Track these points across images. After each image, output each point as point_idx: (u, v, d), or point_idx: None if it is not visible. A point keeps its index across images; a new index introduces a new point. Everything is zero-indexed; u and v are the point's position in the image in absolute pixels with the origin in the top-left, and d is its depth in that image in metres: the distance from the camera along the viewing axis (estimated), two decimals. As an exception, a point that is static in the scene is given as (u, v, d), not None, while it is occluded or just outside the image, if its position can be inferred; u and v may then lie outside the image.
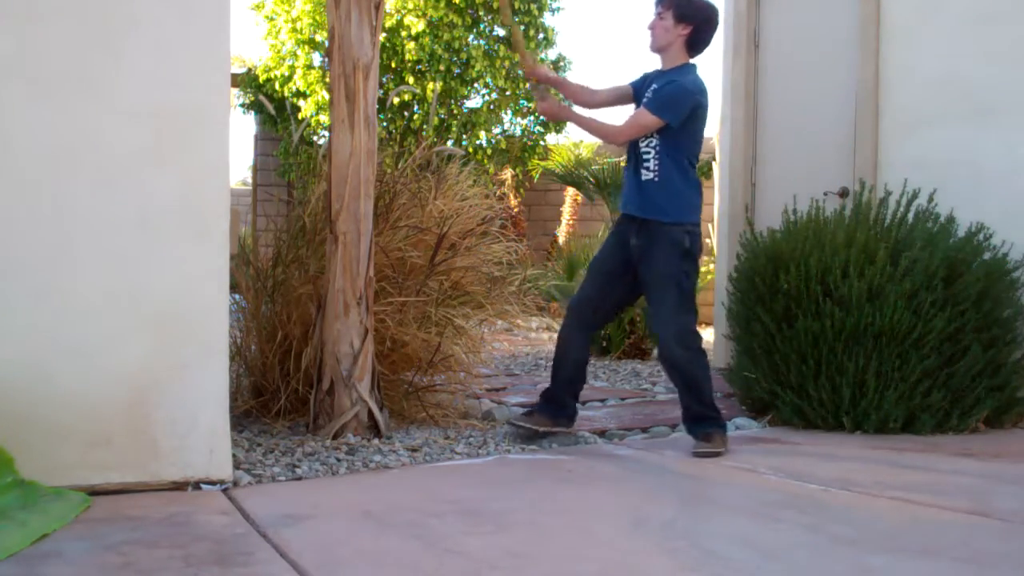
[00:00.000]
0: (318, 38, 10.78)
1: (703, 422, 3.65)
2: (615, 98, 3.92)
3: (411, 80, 10.58)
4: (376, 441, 3.65)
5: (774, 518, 2.76)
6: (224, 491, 2.94)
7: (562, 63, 11.61)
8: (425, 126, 10.47)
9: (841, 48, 5.53)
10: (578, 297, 3.86)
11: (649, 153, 3.69)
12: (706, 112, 3.72)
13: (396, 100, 10.62)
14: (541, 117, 11.65)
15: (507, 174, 11.59)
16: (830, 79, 5.60)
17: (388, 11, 10.42)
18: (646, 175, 3.68)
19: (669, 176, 3.66)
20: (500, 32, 11.14)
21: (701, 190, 3.78)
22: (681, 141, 3.66)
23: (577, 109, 3.96)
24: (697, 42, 3.71)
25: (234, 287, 3.81)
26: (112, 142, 2.87)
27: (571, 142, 11.48)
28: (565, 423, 3.87)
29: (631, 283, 3.78)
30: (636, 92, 3.85)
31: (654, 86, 3.70)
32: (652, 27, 3.74)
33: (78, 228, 2.83)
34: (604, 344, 7.02)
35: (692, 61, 3.75)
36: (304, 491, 3.02)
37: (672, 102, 3.62)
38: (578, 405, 3.94)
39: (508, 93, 11.13)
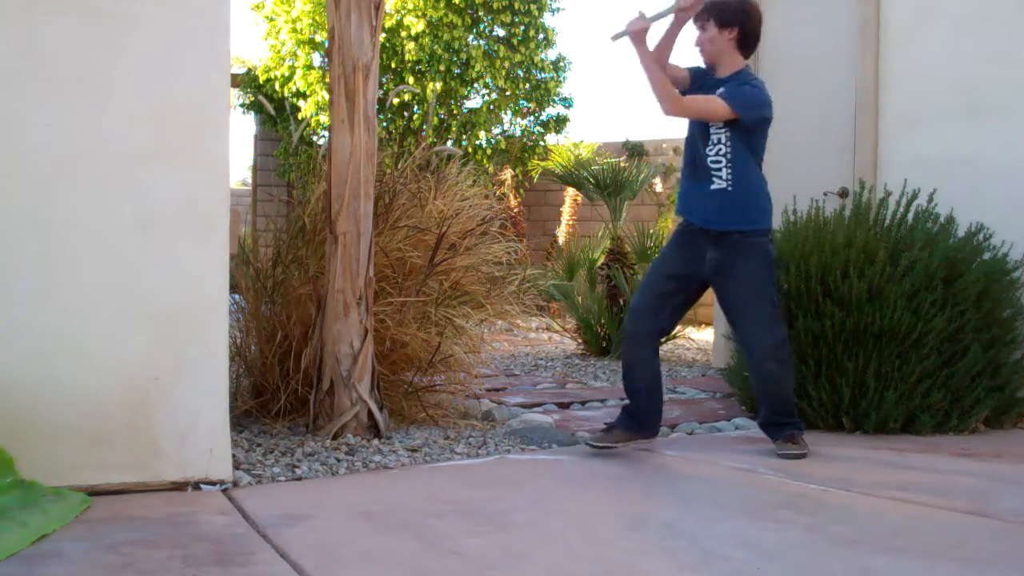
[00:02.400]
0: (318, 38, 10.78)
1: (785, 427, 3.63)
2: (675, 79, 3.77)
3: (411, 80, 10.58)
4: (376, 441, 3.65)
5: (774, 518, 2.76)
6: (224, 491, 2.94)
7: (562, 63, 11.61)
8: (425, 126, 10.47)
9: (841, 48, 5.53)
10: (636, 307, 3.73)
11: (720, 162, 3.60)
12: (769, 124, 3.65)
13: (396, 100, 10.62)
14: (542, 117, 11.65)
15: (507, 174, 11.59)
16: (830, 79, 5.60)
17: (388, 11, 10.42)
18: (717, 183, 3.60)
19: (743, 182, 3.59)
20: (500, 32, 11.14)
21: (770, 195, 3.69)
22: (752, 143, 3.60)
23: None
24: (747, 42, 3.67)
25: (234, 287, 3.81)
26: (112, 142, 2.87)
27: (571, 142, 11.48)
28: (645, 435, 3.73)
29: (691, 293, 3.72)
30: (692, 80, 3.75)
31: (727, 85, 3.60)
32: (699, 43, 3.70)
33: (78, 228, 2.83)
34: (604, 344, 7.02)
35: (747, 63, 3.70)
36: (304, 491, 3.02)
37: (752, 102, 3.56)
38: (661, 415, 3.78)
39: (508, 93, 11.13)
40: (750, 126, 3.57)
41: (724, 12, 3.63)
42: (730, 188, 3.59)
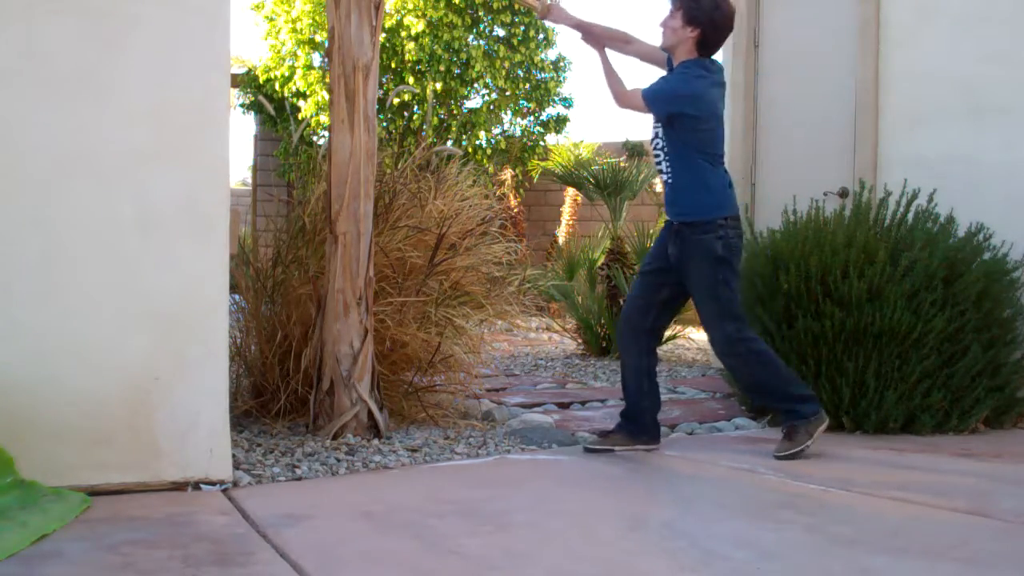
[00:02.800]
0: (318, 38, 10.78)
1: (786, 416, 3.59)
2: (648, 55, 3.87)
3: (411, 80, 10.58)
4: (376, 441, 3.65)
5: (774, 518, 2.76)
6: (224, 491, 2.94)
7: (562, 63, 11.61)
8: (425, 126, 10.47)
9: (841, 48, 5.53)
10: (626, 306, 3.80)
11: (659, 156, 3.67)
12: (702, 114, 3.58)
13: (396, 100, 10.62)
14: (542, 117, 11.65)
15: (507, 174, 11.59)
16: (830, 79, 5.60)
17: (388, 11, 10.42)
18: (665, 176, 3.67)
19: (681, 175, 3.61)
20: (500, 32, 11.14)
21: (724, 186, 3.64)
22: (683, 136, 3.58)
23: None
24: (706, 44, 3.65)
25: (234, 287, 3.81)
26: (112, 142, 2.87)
27: (571, 142, 11.48)
28: (645, 440, 3.67)
29: (673, 288, 3.70)
30: (669, 63, 3.79)
31: (660, 77, 3.73)
32: (663, 25, 3.69)
33: (78, 228, 2.83)
34: (604, 344, 7.02)
35: (699, 58, 3.65)
36: (304, 491, 3.02)
37: (662, 95, 3.61)
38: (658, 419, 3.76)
39: (508, 93, 11.13)
40: (662, 119, 3.61)
41: (695, 10, 3.59)
42: (670, 180, 3.65)
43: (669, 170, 3.64)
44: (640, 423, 3.68)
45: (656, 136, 3.68)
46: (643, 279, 3.77)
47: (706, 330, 3.66)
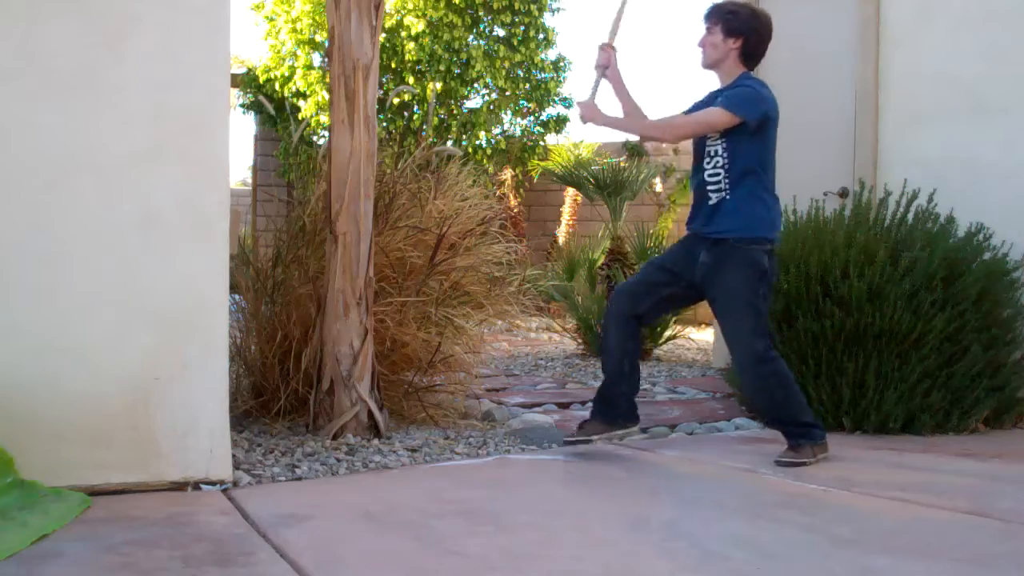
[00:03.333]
0: (318, 38, 10.78)
1: (795, 438, 3.50)
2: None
3: (411, 80, 10.57)
4: (376, 441, 3.65)
5: (774, 518, 2.76)
6: (224, 491, 2.94)
7: (562, 63, 11.61)
8: (425, 126, 10.47)
9: (841, 48, 5.53)
10: (623, 285, 3.74)
11: (718, 173, 3.50)
12: (776, 124, 3.54)
13: (396, 100, 10.62)
14: (542, 117, 11.65)
15: (507, 174, 11.58)
16: (830, 79, 5.60)
17: (388, 11, 10.42)
18: (717, 197, 3.50)
19: (740, 191, 3.48)
20: (500, 32, 11.13)
21: (777, 202, 3.58)
22: (755, 149, 3.48)
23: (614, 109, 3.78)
24: (751, 54, 3.59)
25: (234, 287, 3.81)
26: (112, 142, 2.87)
27: (571, 142, 11.48)
28: (621, 424, 3.64)
29: (682, 292, 3.62)
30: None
31: (724, 93, 3.53)
32: (702, 44, 3.62)
33: (78, 228, 2.83)
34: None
35: (750, 72, 3.62)
36: (304, 491, 3.02)
37: (747, 99, 3.46)
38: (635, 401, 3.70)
39: (508, 93, 11.13)
40: (756, 126, 3.44)
41: (733, 20, 3.54)
42: (728, 197, 3.48)
43: (728, 187, 3.48)
44: (615, 406, 3.63)
45: (713, 152, 3.52)
46: (652, 270, 3.68)
47: (734, 345, 3.52)
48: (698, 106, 3.66)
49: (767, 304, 3.52)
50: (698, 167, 3.60)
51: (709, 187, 3.52)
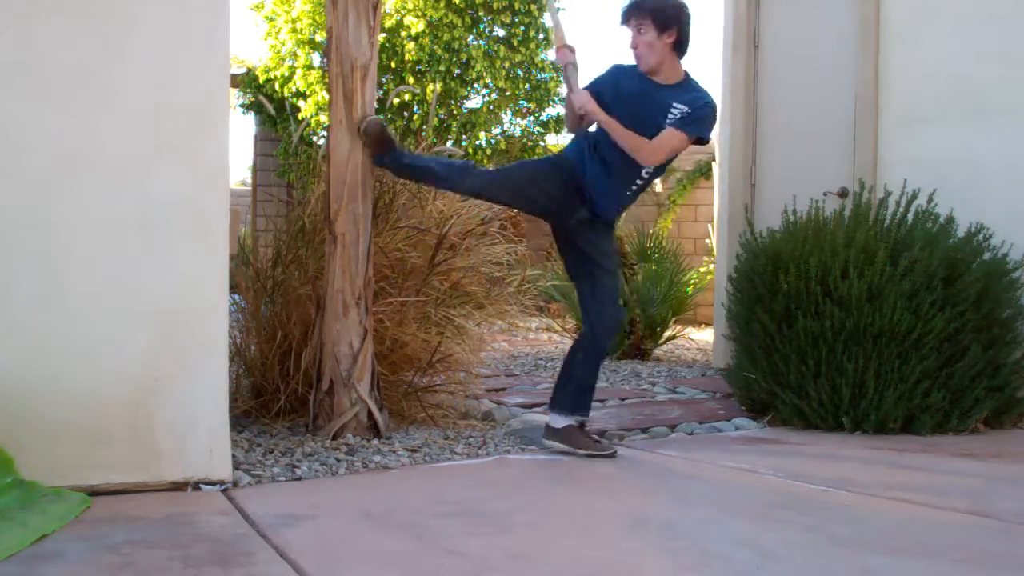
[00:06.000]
0: (318, 38, 10.78)
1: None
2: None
3: (411, 80, 10.57)
4: (376, 441, 3.65)
5: (774, 518, 2.76)
6: (224, 491, 2.94)
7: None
8: (425, 126, 10.46)
9: (841, 48, 5.53)
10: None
11: (650, 174, 3.60)
12: None
13: (396, 100, 10.62)
14: (542, 117, 11.64)
15: (507, 174, 11.56)
16: (830, 79, 5.60)
17: (388, 11, 10.42)
18: (636, 187, 3.62)
19: (644, 188, 3.71)
20: (500, 32, 11.13)
21: None
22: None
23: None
24: (682, 44, 3.54)
25: (234, 287, 3.81)
26: (112, 142, 2.87)
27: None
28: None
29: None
30: (606, 93, 3.58)
31: (679, 108, 3.45)
32: (635, 46, 3.52)
33: (78, 228, 2.83)
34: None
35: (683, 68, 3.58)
36: (304, 491, 3.02)
37: (710, 122, 3.51)
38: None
39: (508, 94, 11.13)
40: (707, 139, 3.56)
41: (663, 14, 3.46)
42: (612, 175, 3.60)
43: (643, 181, 3.61)
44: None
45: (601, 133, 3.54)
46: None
47: (611, 311, 3.62)
48: (612, 85, 3.59)
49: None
50: (626, 160, 3.53)
51: (635, 183, 3.60)
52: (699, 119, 3.47)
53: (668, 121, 3.46)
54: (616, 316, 3.68)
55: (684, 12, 3.54)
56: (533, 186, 3.68)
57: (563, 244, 3.76)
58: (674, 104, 3.47)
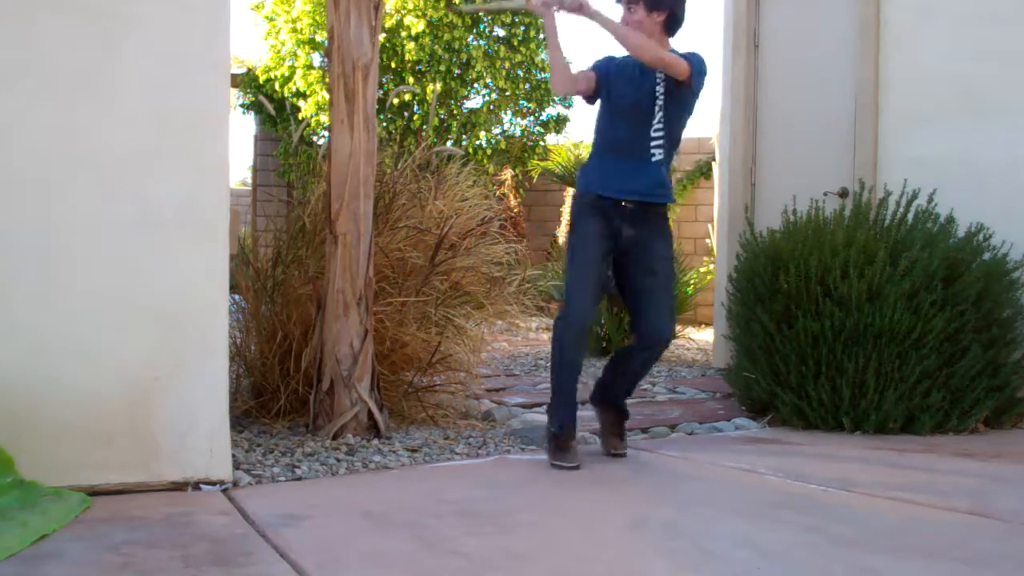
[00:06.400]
0: (318, 38, 10.78)
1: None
2: (580, 79, 3.58)
3: (411, 80, 10.57)
4: (376, 441, 3.65)
5: (774, 518, 2.76)
6: (224, 491, 2.94)
7: (562, 63, 11.59)
8: (425, 126, 10.46)
9: (841, 48, 5.53)
10: (579, 300, 3.47)
11: (660, 133, 3.45)
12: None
13: (396, 100, 10.62)
14: (542, 117, 11.65)
15: (507, 174, 11.57)
16: (830, 79, 5.60)
17: (388, 11, 10.42)
18: (658, 154, 3.46)
19: (669, 158, 3.52)
20: (500, 32, 11.13)
21: None
22: (684, 117, 3.51)
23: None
24: (676, 20, 3.47)
25: (234, 287, 3.81)
26: (112, 142, 2.87)
27: (571, 142, 11.47)
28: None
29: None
30: (606, 77, 3.54)
31: (662, 74, 3.42)
32: (625, 24, 3.45)
33: (78, 228, 2.83)
34: (604, 345, 7.02)
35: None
36: (304, 491, 3.02)
37: (702, 69, 3.43)
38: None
39: (508, 93, 11.13)
40: (695, 95, 3.46)
41: None
42: (663, 160, 3.49)
43: (663, 153, 3.47)
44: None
45: (659, 116, 3.44)
46: (598, 263, 3.47)
47: (665, 320, 3.52)
48: (610, 69, 3.55)
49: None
50: (641, 124, 3.47)
51: (652, 143, 3.47)
52: (700, 62, 3.42)
53: (657, 92, 3.44)
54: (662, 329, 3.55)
55: None
56: (585, 244, 3.50)
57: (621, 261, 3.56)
58: (659, 74, 3.44)
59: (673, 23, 3.49)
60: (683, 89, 3.44)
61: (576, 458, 3.37)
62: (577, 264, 3.48)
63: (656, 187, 3.49)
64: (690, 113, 3.55)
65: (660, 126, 3.48)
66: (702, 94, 3.52)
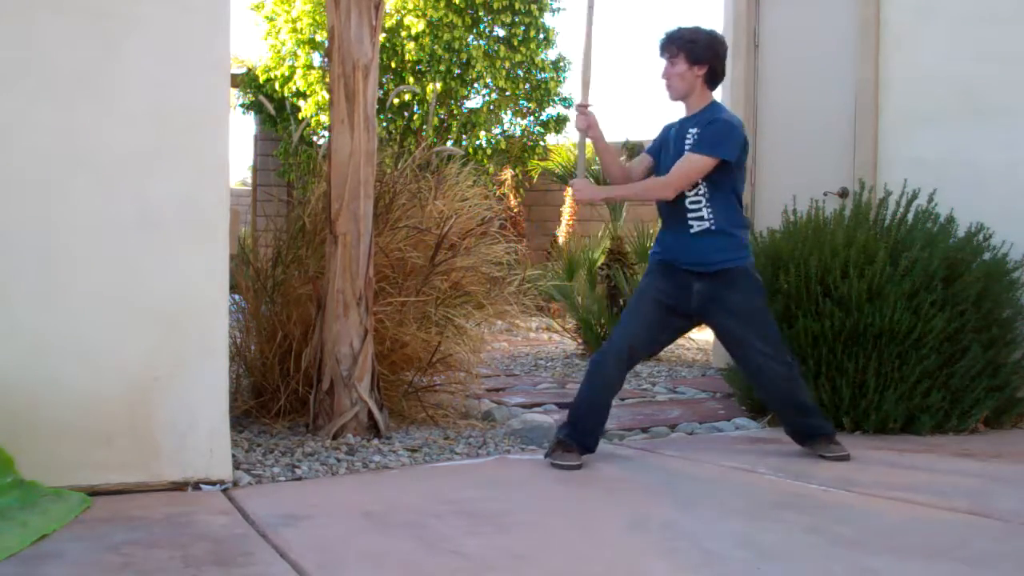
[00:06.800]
0: (318, 38, 10.78)
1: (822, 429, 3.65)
2: (640, 170, 3.75)
3: (411, 80, 10.57)
4: (376, 441, 3.65)
5: (774, 518, 2.76)
6: (224, 491, 2.94)
7: (562, 63, 11.61)
8: (425, 126, 10.46)
9: (841, 48, 5.53)
10: (622, 332, 3.55)
11: (699, 202, 3.52)
12: (747, 149, 3.58)
13: (396, 100, 10.62)
14: (542, 117, 11.66)
15: (507, 174, 11.58)
16: (830, 79, 5.60)
17: (388, 11, 10.42)
18: (699, 225, 3.52)
19: (721, 221, 3.52)
20: (500, 32, 11.14)
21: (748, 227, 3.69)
22: (733, 177, 3.53)
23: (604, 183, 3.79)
24: (715, 77, 3.59)
25: (234, 287, 3.81)
26: (112, 142, 2.87)
27: (571, 142, 11.48)
28: (587, 452, 3.53)
29: (680, 324, 3.63)
30: (657, 153, 3.70)
31: (693, 130, 3.52)
32: (667, 76, 3.59)
33: (78, 228, 2.83)
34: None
35: (715, 98, 3.62)
36: (304, 491, 3.02)
37: (724, 137, 3.47)
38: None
39: (508, 93, 11.13)
40: (733, 162, 3.49)
41: (696, 49, 3.52)
42: (713, 227, 3.52)
43: (711, 216, 3.51)
44: (593, 437, 3.52)
45: (695, 190, 3.52)
46: (649, 310, 3.57)
47: (750, 360, 3.60)
48: (660, 141, 3.70)
49: (771, 314, 3.66)
50: (676, 199, 3.56)
51: (690, 215, 3.54)
52: (708, 136, 3.47)
53: (686, 147, 3.52)
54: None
55: (716, 46, 3.57)
56: (640, 296, 3.64)
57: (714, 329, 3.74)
58: (690, 130, 3.55)
59: (713, 77, 3.59)
60: (721, 166, 3.49)
61: (577, 458, 3.39)
62: (628, 310, 3.65)
63: (701, 258, 3.53)
64: (738, 174, 3.57)
65: (698, 198, 3.54)
66: (745, 147, 3.55)
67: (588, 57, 3.79)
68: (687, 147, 3.52)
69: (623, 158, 3.78)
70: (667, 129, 3.71)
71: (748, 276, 3.57)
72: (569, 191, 11.48)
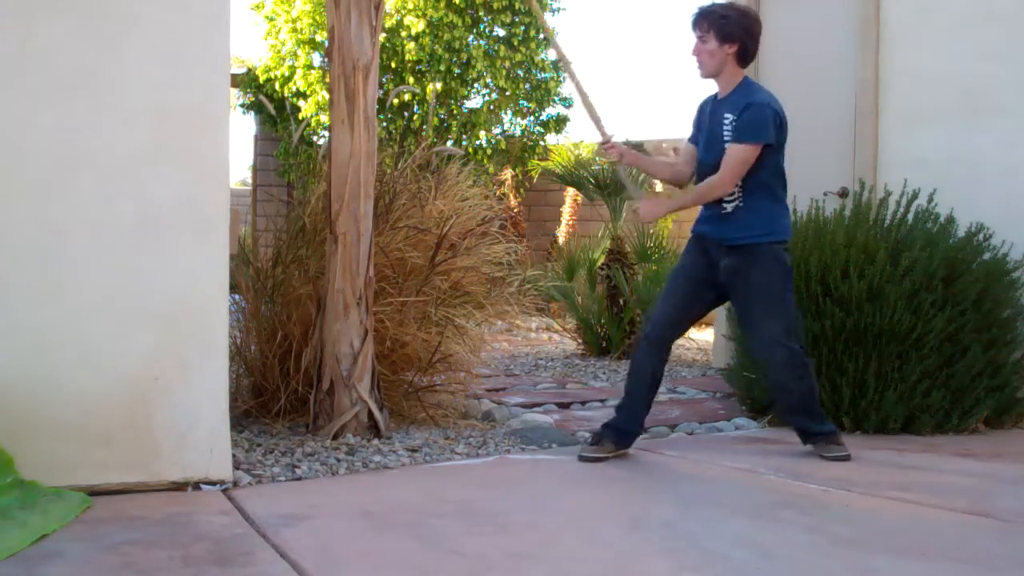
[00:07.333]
0: (318, 38, 10.78)
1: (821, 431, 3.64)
2: (688, 161, 3.77)
3: (411, 80, 10.57)
4: (376, 441, 3.65)
5: (774, 518, 2.76)
6: (224, 491, 2.94)
7: (562, 63, 11.60)
8: (425, 126, 10.46)
9: (841, 48, 5.53)
10: (657, 314, 3.64)
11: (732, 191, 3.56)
12: (786, 128, 3.59)
13: (396, 100, 10.62)
14: (542, 117, 11.65)
15: (507, 174, 11.57)
16: (830, 79, 5.60)
17: (388, 11, 10.42)
18: (731, 204, 3.55)
19: (755, 200, 3.55)
20: (500, 32, 11.13)
21: (788, 211, 3.69)
22: (769, 157, 3.53)
23: (664, 189, 3.85)
24: (746, 55, 3.58)
25: (234, 287, 3.81)
26: (112, 142, 2.87)
27: (571, 142, 11.47)
28: (626, 446, 3.64)
29: (712, 298, 3.70)
30: (696, 139, 3.73)
31: (729, 116, 3.53)
32: (697, 53, 3.59)
33: (78, 228, 2.83)
34: (604, 344, 7.02)
35: (746, 74, 3.62)
36: (304, 491, 3.02)
37: (761, 123, 3.47)
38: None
39: (508, 93, 11.13)
40: (777, 144, 3.53)
41: (727, 25, 3.52)
42: (742, 204, 3.55)
43: (742, 196, 3.54)
44: (632, 433, 3.62)
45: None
46: (681, 285, 3.65)
47: (758, 341, 3.64)
48: (697, 124, 3.74)
49: (793, 301, 3.63)
50: (703, 176, 3.62)
51: (724, 197, 3.57)
52: (744, 124, 3.48)
53: (725, 139, 3.54)
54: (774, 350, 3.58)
55: (748, 23, 3.56)
56: (675, 273, 3.73)
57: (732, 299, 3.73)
58: (725, 115, 3.56)
59: (744, 54, 3.58)
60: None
61: (601, 450, 3.52)
62: (662, 292, 3.75)
63: (729, 233, 3.57)
64: (777, 154, 3.59)
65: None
66: (782, 124, 3.57)
67: (588, 103, 3.87)
68: (725, 134, 3.53)
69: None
70: (701, 110, 3.74)
71: (772, 255, 3.55)
72: (569, 193, 11.49)
